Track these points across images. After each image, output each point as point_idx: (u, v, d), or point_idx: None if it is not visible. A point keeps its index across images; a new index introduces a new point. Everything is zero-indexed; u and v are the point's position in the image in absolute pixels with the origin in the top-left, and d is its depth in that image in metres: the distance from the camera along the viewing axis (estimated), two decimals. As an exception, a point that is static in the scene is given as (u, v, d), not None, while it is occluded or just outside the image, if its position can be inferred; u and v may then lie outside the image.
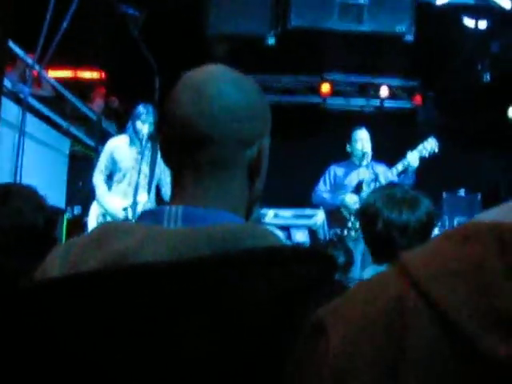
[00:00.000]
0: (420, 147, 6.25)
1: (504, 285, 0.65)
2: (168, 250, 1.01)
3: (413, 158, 6.19)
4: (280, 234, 6.20)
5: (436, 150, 6.28)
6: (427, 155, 6.26)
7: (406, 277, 0.72)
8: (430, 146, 6.27)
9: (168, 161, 1.23)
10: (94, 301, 0.96)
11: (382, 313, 0.71)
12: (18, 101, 6.01)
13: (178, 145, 1.17)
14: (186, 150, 1.16)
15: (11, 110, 5.82)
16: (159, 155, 4.22)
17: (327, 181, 6.59)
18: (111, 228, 1.10)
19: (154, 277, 0.95)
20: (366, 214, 2.42)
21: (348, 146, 6.53)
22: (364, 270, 2.56)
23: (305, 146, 9.68)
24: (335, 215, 6.39)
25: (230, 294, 0.94)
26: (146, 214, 1.17)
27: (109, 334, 0.95)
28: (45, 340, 0.97)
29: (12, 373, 0.98)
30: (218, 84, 1.17)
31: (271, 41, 6.80)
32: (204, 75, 1.19)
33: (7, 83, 5.84)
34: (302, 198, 7.18)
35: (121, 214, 5.63)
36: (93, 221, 5.84)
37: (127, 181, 5.73)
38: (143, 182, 5.67)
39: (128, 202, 5.63)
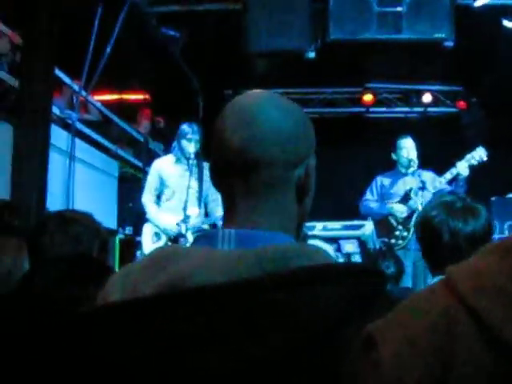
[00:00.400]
0: (468, 156, 6.19)
1: None
2: (221, 273, 1.04)
3: (462, 167, 6.13)
4: (329, 247, 6.19)
5: (485, 159, 6.22)
6: (476, 164, 6.20)
7: (453, 291, 0.74)
8: (479, 155, 6.20)
9: (219, 184, 1.26)
10: (153, 325, 0.99)
11: (429, 328, 0.73)
12: (66, 126, 6.14)
13: (228, 169, 1.20)
14: (236, 174, 1.19)
15: (60, 136, 5.95)
16: (205, 172, 4.23)
17: (374, 191, 6.56)
18: (168, 252, 1.14)
19: (207, 300, 0.98)
20: (428, 225, 2.36)
21: (393, 154, 6.49)
22: (419, 279, 2.49)
23: (350, 157, 9.66)
24: (383, 224, 6.36)
25: (280, 314, 0.96)
26: (200, 238, 1.20)
27: (168, 357, 0.98)
28: (106, 365, 1.01)
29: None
30: (264, 109, 1.20)
31: (311, 55, 6.79)
32: (251, 100, 1.23)
33: (55, 110, 5.96)
34: (350, 209, 7.17)
35: (175, 229, 5.71)
36: (147, 240, 5.92)
37: (177, 197, 5.81)
38: (193, 197, 5.74)
39: (179, 217, 5.70)
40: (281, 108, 1.23)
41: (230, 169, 1.19)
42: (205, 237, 1.20)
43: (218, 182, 1.26)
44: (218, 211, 5.70)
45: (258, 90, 1.28)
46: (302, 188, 1.23)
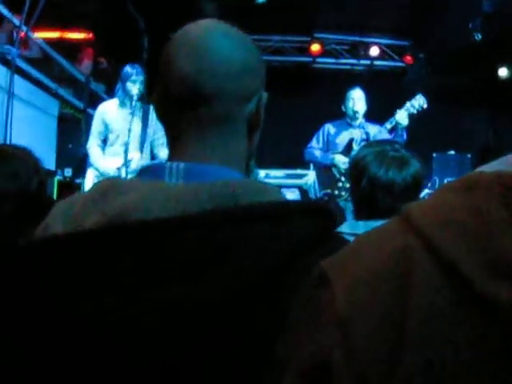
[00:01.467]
0: (408, 105, 6.21)
1: (507, 232, 0.65)
2: (171, 206, 0.99)
3: (401, 116, 6.15)
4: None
5: (424, 107, 6.24)
6: (415, 112, 6.23)
7: (410, 227, 0.71)
8: (418, 102, 6.23)
9: (165, 119, 1.20)
10: (98, 257, 0.95)
11: (386, 263, 0.70)
12: (5, 62, 5.95)
13: (177, 102, 1.14)
14: (185, 107, 1.13)
15: (-1, 71, 5.78)
16: (150, 115, 4.16)
17: (320, 138, 6.57)
18: (113, 183, 1.08)
19: (163, 231, 0.95)
20: (354, 168, 2.36)
21: (342, 105, 6.52)
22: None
23: (295, 106, 9.67)
24: (326, 175, 6.39)
25: (234, 249, 0.93)
26: (145, 170, 1.14)
27: (115, 290, 0.94)
28: (46, 297, 0.96)
29: (12, 329, 0.97)
30: (215, 40, 1.14)
31: (261, 0, 6.73)
32: (200, 31, 1.16)
33: (-6, 44, 5.78)
34: (292, 158, 7.18)
35: (114, 173, 5.65)
36: (89, 184, 5.85)
37: (120, 142, 5.72)
38: (135, 141, 5.66)
39: (120, 161, 5.63)
40: (233, 39, 1.17)
41: (179, 101, 1.13)
42: (150, 170, 1.13)
43: (165, 115, 1.19)
44: (160, 155, 5.66)
45: (208, 20, 1.21)
46: (253, 123, 1.18)
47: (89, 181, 5.88)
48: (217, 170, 1.11)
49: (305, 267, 0.82)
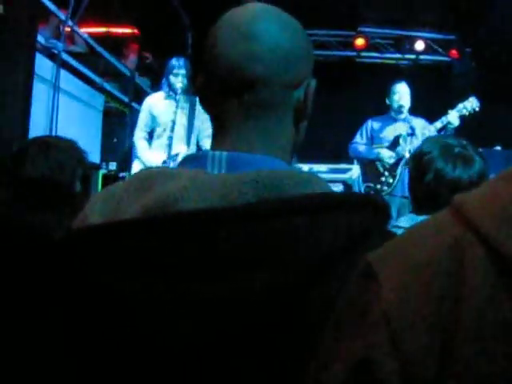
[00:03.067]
0: (460, 106, 6.14)
1: None
2: (213, 196, 0.97)
3: (453, 117, 6.09)
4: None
5: (477, 109, 6.17)
6: (467, 114, 6.16)
7: (463, 220, 0.69)
8: (471, 105, 6.16)
9: (209, 105, 1.17)
10: (139, 248, 0.93)
11: (436, 258, 0.68)
12: (51, 56, 6.00)
13: (220, 88, 1.11)
14: (231, 93, 1.10)
15: (45, 65, 5.82)
16: (197, 107, 4.16)
17: (364, 134, 6.53)
18: (153, 173, 1.05)
19: (200, 225, 0.92)
20: (417, 162, 2.32)
21: (387, 98, 6.47)
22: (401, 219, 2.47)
23: (340, 101, 9.59)
24: (369, 169, 6.34)
25: (284, 242, 0.91)
26: (188, 160, 1.12)
27: (149, 283, 0.93)
28: (85, 288, 0.96)
29: (56, 323, 0.97)
30: (263, 23, 1.11)
31: (305, -6, 6.70)
32: (247, 14, 1.13)
33: (41, 39, 5.83)
34: (337, 152, 7.14)
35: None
36: (136, 177, 5.88)
37: (167, 135, 5.73)
38: (182, 133, 5.68)
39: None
40: (282, 23, 1.13)
41: (224, 87, 1.10)
42: (193, 158, 1.11)
43: (209, 102, 1.16)
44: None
45: (256, 3, 1.17)
46: (300, 111, 1.15)
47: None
48: (261, 159, 1.07)
49: (354, 261, 0.80)
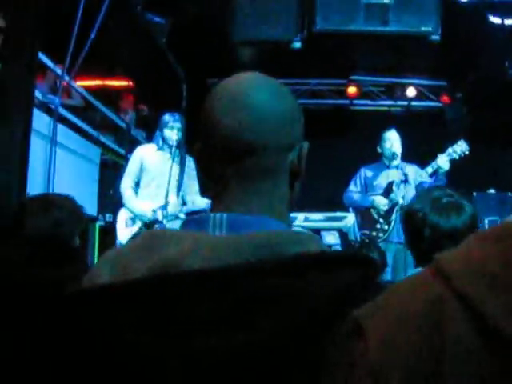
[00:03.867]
0: (450, 150, 6.21)
1: None
2: (214, 257, 1.02)
3: (443, 161, 6.15)
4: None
5: (466, 153, 6.24)
6: (457, 157, 6.22)
7: (443, 278, 0.73)
8: (460, 148, 6.22)
9: (207, 170, 1.23)
10: (144, 308, 0.98)
11: (419, 314, 0.72)
12: (48, 111, 6.07)
13: (220, 155, 1.17)
14: (230, 159, 1.16)
15: (42, 120, 5.87)
16: (187, 163, 4.22)
17: (358, 182, 6.60)
18: (159, 235, 1.11)
19: (201, 283, 0.97)
20: (411, 220, 2.39)
21: (378, 146, 6.53)
22: (400, 272, 2.53)
23: (333, 149, 9.65)
24: (364, 216, 6.39)
25: (275, 301, 0.96)
26: (190, 222, 1.18)
27: (159, 339, 0.97)
28: (92, 347, 1.00)
29: (61, 376, 1.00)
30: (256, 93, 1.18)
31: (297, 45, 6.78)
32: (240, 84, 1.20)
33: (38, 94, 5.89)
34: (331, 200, 7.17)
35: (150, 216, 5.70)
36: (121, 225, 5.93)
37: (155, 184, 5.82)
38: (173, 185, 5.75)
39: (156, 204, 5.72)
40: (273, 91, 1.21)
41: (223, 155, 1.17)
42: (195, 221, 1.17)
43: (208, 168, 1.22)
44: (196, 201, 5.75)
45: (247, 73, 1.24)
46: (295, 173, 1.21)
47: (121, 221, 5.95)
48: (260, 220, 1.13)
49: (344, 317, 0.84)
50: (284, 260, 0.99)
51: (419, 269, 2.39)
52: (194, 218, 1.19)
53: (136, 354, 0.98)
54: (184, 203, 5.89)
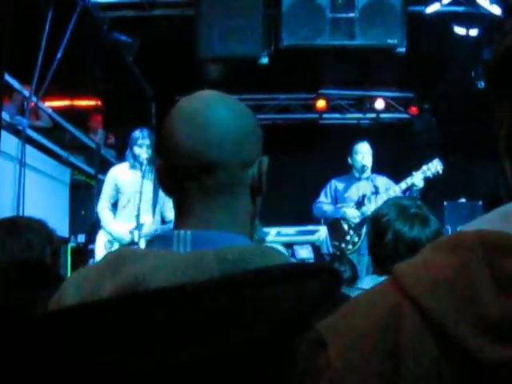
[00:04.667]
0: (424, 168, 6.27)
1: (489, 292, 0.68)
2: (179, 274, 1.04)
3: (417, 179, 6.21)
4: (284, 251, 6.21)
5: (440, 172, 6.31)
6: (431, 176, 6.28)
7: (399, 287, 0.74)
8: (434, 167, 6.29)
9: (169, 188, 1.25)
10: (110, 328, 0.98)
11: (376, 327, 0.73)
12: (16, 133, 6.04)
13: (181, 173, 1.19)
14: (191, 177, 1.18)
15: (10, 142, 5.85)
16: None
17: (328, 194, 6.62)
18: (122, 255, 1.12)
19: (168, 301, 0.97)
20: (377, 223, 2.40)
21: (349, 158, 6.57)
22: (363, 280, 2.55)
23: (303, 163, 9.71)
24: (334, 228, 6.40)
25: (241, 313, 0.96)
26: (155, 239, 1.20)
27: (126, 359, 0.97)
28: (61, 368, 0.99)
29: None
30: (213, 111, 1.20)
31: (264, 60, 6.81)
32: (198, 103, 1.22)
33: (5, 116, 5.86)
34: (303, 214, 7.20)
35: (127, 237, 5.68)
36: (100, 248, 5.88)
37: (132, 205, 5.78)
38: (146, 204, 5.71)
39: (133, 225, 5.68)
40: (231, 108, 1.23)
41: (184, 172, 1.18)
42: (160, 238, 1.19)
43: (170, 186, 1.24)
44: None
45: (204, 91, 1.27)
46: (255, 187, 1.23)
47: (100, 244, 5.90)
48: (223, 236, 1.15)
49: (308, 328, 0.85)
50: (247, 274, 1.00)
51: (375, 276, 2.40)
52: (158, 235, 1.23)
53: (105, 373, 0.98)
54: (163, 220, 5.86)
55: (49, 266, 2.31)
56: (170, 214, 5.75)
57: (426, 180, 6.27)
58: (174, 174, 1.20)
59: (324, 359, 0.74)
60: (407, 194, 6.25)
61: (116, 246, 5.78)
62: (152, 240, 1.22)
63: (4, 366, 1.01)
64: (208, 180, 1.17)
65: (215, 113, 1.19)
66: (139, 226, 5.60)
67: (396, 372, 0.69)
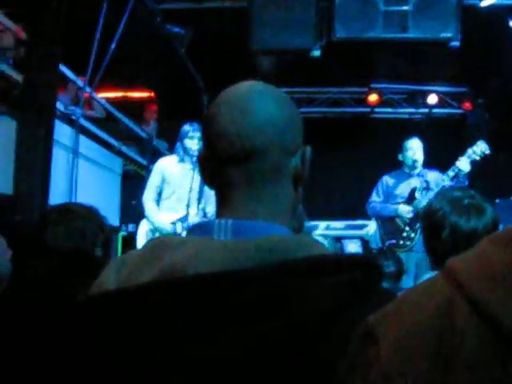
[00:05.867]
0: (469, 151, 6.14)
1: None
2: (217, 262, 1.04)
3: (463, 163, 6.09)
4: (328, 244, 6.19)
5: (487, 153, 6.17)
6: (478, 158, 6.16)
7: (453, 281, 0.73)
8: (480, 149, 6.16)
9: (211, 177, 1.25)
10: (147, 313, 1.00)
11: (431, 318, 0.72)
12: (70, 123, 6.14)
13: (224, 160, 1.19)
14: (233, 163, 1.18)
15: (64, 131, 5.95)
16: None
17: (380, 191, 6.56)
18: (163, 242, 1.13)
19: (203, 288, 0.99)
20: (431, 219, 2.34)
21: (400, 154, 6.50)
22: (420, 277, 2.49)
23: (354, 157, 9.66)
24: (390, 226, 6.35)
25: (284, 303, 0.97)
26: (195, 228, 1.19)
27: (162, 344, 0.98)
28: (100, 352, 1.01)
29: (70, 380, 1.02)
30: (258, 99, 1.20)
31: (316, 53, 6.77)
32: (241, 91, 1.22)
33: (60, 106, 5.96)
34: (353, 208, 7.17)
35: (169, 228, 5.74)
36: (141, 237, 5.98)
37: (176, 196, 5.86)
38: (194, 197, 5.78)
39: (177, 216, 5.75)
40: (273, 97, 1.22)
41: (227, 159, 1.18)
42: (200, 227, 1.19)
43: (212, 174, 1.24)
44: None
45: (247, 82, 1.26)
46: (298, 177, 1.22)
47: (141, 233, 6.01)
48: (264, 226, 1.15)
49: (350, 321, 0.85)
50: (287, 264, 1.00)
51: (435, 272, 2.36)
52: (199, 224, 1.21)
53: (138, 361, 0.99)
54: (204, 215, 5.90)
55: (94, 255, 2.34)
56: (212, 209, 5.79)
57: (474, 164, 6.15)
58: (216, 161, 1.20)
59: (374, 352, 0.74)
60: (455, 181, 6.14)
61: (157, 235, 5.84)
62: (193, 229, 1.20)
63: (41, 351, 1.05)
64: (249, 166, 1.17)
65: (257, 100, 1.19)
66: (186, 216, 5.65)
67: (448, 366, 0.68)
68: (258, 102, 1.19)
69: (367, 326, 0.78)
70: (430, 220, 2.37)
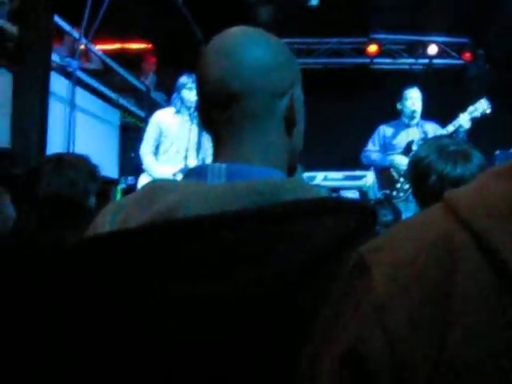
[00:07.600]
0: (471, 108, 6.12)
1: None
2: (211, 205, 1.05)
3: (464, 120, 6.08)
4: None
5: (488, 112, 6.15)
6: (479, 116, 6.14)
7: (453, 214, 0.71)
8: (482, 107, 6.13)
9: (206, 122, 1.26)
10: (140, 255, 1.02)
11: (429, 248, 0.70)
12: (67, 75, 6.09)
13: (211, 105, 1.20)
14: (218, 106, 1.19)
15: (61, 84, 5.91)
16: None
17: (376, 141, 6.55)
18: (158, 186, 1.14)
19: (195, 230, 1.00)
20: (418, 167, 2.34)
21: (398, 104, 6.48)
22: None
23: (353, 108, 9.60)
24: (385, 176, 6.35)
25: (274, 245, 0.98)
26: (191, 172, 1.21)
27: (155, 285, 1.00)
28: (93, 292, 1.04)
29: (64, 321, 1.04)
30: (243, 41, 1.21)
31: (314, 2, 6.72)
32: (229, 36, 1.23)
33: (55, 58, 5.91)
34: (351, 159, 7.15)
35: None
36: (143, 190, 5.94)
37: (175, 148, 5.83)
38: (192, 148, 5.75)
39: (176, 168, 5.73)
40: (260, 39, 1.23)
41: (213, 103, 1.20)
42: (195, 171, 1.20)
43: (205, 120, 1.26)
44: None
45: (237, 27, 1.27)
46: (289, 119, 1.23)
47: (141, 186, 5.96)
48: (258, 169, 1.16)
49: (342, 259, 0.84)
50: (275, 207, 1.01)
51: None
52: (194, 169, 1.22)
53: (130, 300, 1.01)
54: None
55: (86, 204, 2.35)
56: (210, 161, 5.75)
57: (474, 121, 6.14)
58: (206, 107, 1.22)
59: (367, 282, 0.72)
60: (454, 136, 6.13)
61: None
62: (188, 173, 1.22)
63: (35, 296, 1.06)
64: (233, 109, 1.18)
65: (243, 44, 1.20)
66: (186, 168, 5.64)
67: (448, 299, 0.67)
68: (243, 46, 1.20)
69: (359, 256, 0.76)
70: (416, 167, 2.37)
